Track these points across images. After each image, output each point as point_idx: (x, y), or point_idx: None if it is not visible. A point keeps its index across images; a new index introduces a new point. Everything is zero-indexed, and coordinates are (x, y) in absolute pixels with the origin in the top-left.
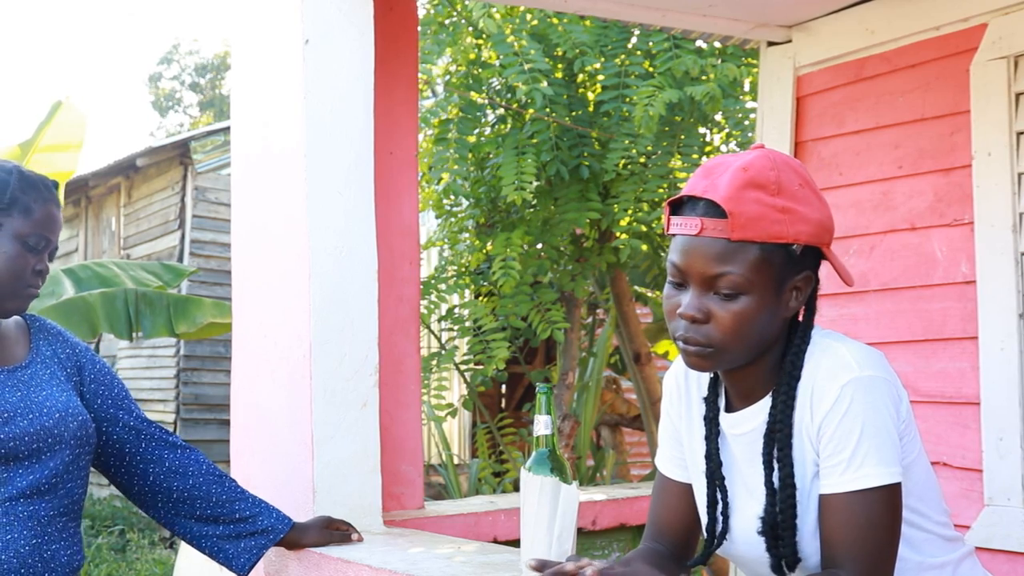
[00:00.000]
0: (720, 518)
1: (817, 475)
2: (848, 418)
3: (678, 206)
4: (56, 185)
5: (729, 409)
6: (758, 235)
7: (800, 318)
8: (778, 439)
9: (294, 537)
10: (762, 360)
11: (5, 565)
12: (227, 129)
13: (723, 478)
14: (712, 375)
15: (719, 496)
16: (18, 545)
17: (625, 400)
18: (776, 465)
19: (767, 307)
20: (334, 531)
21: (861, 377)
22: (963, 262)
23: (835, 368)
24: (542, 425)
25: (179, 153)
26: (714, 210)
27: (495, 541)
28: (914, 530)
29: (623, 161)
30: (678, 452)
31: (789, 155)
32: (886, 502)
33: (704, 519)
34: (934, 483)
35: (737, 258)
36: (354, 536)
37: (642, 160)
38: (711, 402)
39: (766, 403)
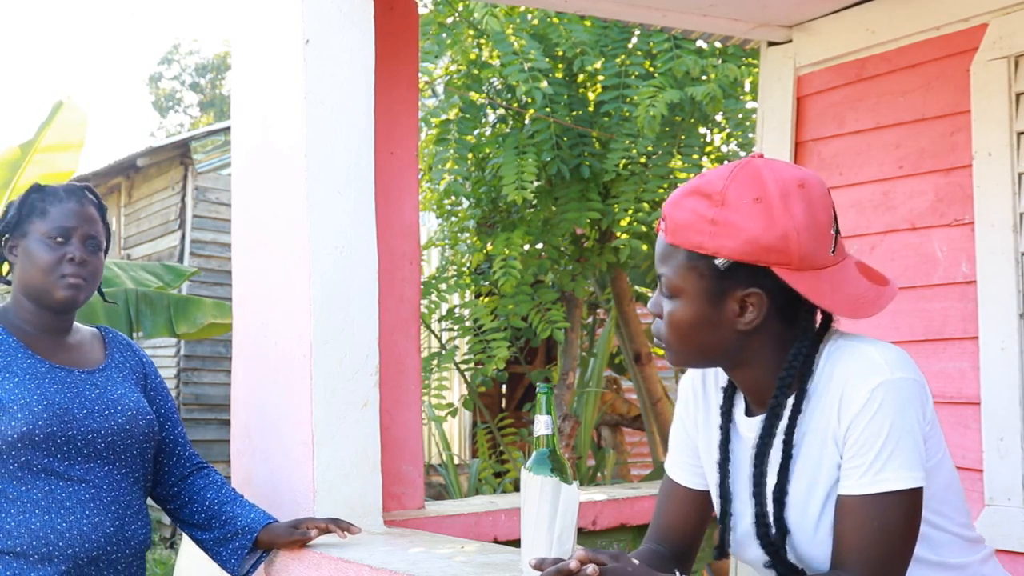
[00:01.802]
0: (729, 523)
1: (838, 479)
2: (876, 421)
3: None
4: (87, 189)
5: (749, 413)
6: (682, 242)
7: (799, 329)
8: (759, 453)
9: (266, 537)
10: (763, 368)
11: (94, 544)
12: (227, 129)
13: (729, 485)
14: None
15: (725, 499)
16: (104, 527)
17: (626, 400)
18: (764, 476)
19: (703, 315)
20: (295, 530)
21: (892, 380)
22: (963, 262)
23: (865, 371)
24: (542, 425)
25: (179, 153)
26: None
27: (495, 541)
28: (936, 531)
29: (623, 161)
30: (689, 458)
31: (789, 166)
32: (903, 507)
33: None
34: (957, 484)
35: (670, 261)
36: (343, 535)
37: (643, 160)
38: (725, 407)
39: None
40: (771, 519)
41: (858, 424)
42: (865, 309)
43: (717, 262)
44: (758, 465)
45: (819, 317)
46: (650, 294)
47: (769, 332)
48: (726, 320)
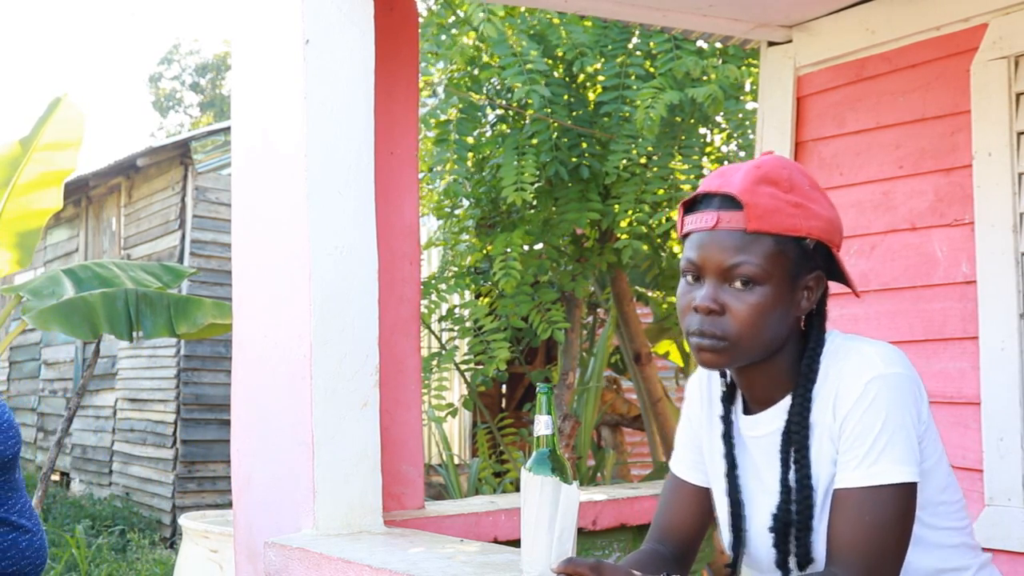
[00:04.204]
0: (742, 517)
1: (835, 476)
2: (869, 413)
3: (692, 207)
4: None
5: (748, 412)
6: (773, 227)
7: (812, 320)
8: (795, 440)
9: None
10: (775, 362)
11: (45, 554)
12: (227, 129)
13: (737, 482)
14: (727, 382)
15: (737, 504)
16: (45, 537)
17: (625, 400)
18: (793, 465)
19: (781, 302)
20: None
21: (886, 374)
22: (963, 262)
23: (860, 367)
24: (542, 425)
25: (179, 153)
26: (729, 203)
27: (495, 541)
28: (932, 532)
29: (624, 162)
30: (695, 456)
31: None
32: (897, 502)
33: (727, 520)
34: (955, 489)
35: (753, 249)
36: None
37: (643, 160)
38: (726, 405)
39: (785, 405)
40: (795, 508)
41: (852, 417)
42: (855, 286)
43: (806, 242)
44: (785, 453)
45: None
46: (650, 294)
47: (799, 321)
48: (793, 307)
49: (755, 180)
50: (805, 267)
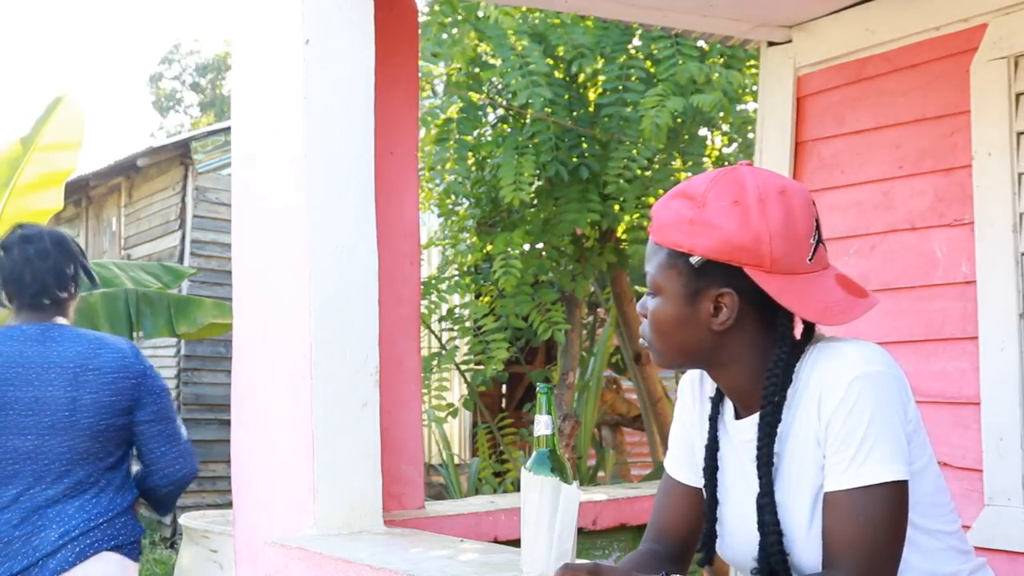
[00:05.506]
0: (714, 528)
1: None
2: (854, 414)
3: None
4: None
5: (738, 417)
6: (663, 240)
7: (776, 334)
8: (759, 456)
9: None
10: (741, 370)
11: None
12: (228, 129)
13: (716, 480)
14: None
15: (712, 503)
16: None
17: (625, 400)
18: (764, 507)
19: (680, 313)
20: None
21: (869, 373)
22: (963, 262)
23: (842, 367)
24: (543, 425)
25: (180, 153)
26: None
27: (496, 541)
28: (925, 536)
29: (625, 163)
30: (687, 455)
31: (775, 174)
32: (889, 500)
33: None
34: (945, 492)
35: (654, 259)
36: None
37: (645, 162)
38: (713, 414)
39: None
40: (768, 552)
41: (837, 419)
42: (834, 317)
43: (692, 260)
44: (762, 474)
45: (800, 324)
46: None
47: (745, 334)
48: (701, 320)
49: (673, 193)
50: (703, 283)
